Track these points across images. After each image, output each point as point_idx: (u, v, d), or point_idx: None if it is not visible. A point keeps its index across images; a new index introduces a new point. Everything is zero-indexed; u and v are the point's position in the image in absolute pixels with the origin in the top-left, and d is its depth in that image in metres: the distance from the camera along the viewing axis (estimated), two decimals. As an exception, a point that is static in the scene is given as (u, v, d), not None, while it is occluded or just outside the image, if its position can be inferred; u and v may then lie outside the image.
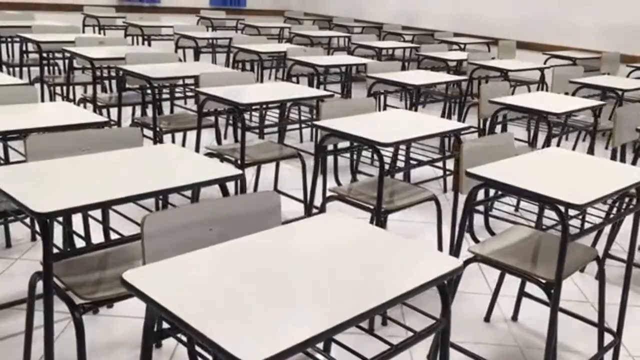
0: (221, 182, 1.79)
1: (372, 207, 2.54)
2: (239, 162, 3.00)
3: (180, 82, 3.89)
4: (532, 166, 2.12)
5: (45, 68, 4.81)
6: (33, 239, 3.04)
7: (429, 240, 3.30)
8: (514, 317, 2.67)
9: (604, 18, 6.17)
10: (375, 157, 3.22)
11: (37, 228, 1.63)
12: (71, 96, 4.48)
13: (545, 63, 6.03)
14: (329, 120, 2.60)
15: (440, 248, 2.85)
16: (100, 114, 4.06)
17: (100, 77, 4.41)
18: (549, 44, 6.52)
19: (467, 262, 2.01)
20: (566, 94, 4.42)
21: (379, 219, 2.46)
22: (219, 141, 3.64)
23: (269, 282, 1.18)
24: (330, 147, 2.82)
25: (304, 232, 1.43)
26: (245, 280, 1.18)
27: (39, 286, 1.62)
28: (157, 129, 3.50)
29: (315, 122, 2.58)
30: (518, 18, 6.87)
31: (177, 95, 4.17)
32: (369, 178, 2.97)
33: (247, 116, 5.53)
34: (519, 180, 1.90)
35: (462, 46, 6.82)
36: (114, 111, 4.58)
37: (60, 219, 2.30)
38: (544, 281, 1.97)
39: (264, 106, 4.44)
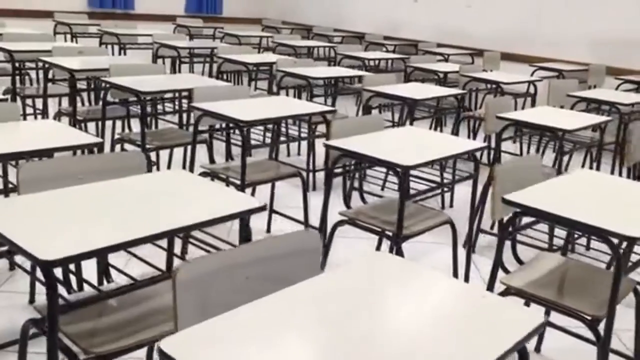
0: (244, 216, 1.60)
1: (388, 232, 2.38)
2: (237, 182, 2.80)
3: (168, 95, 3.67)
4: (569, 192, 2.00)
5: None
6: (11, 268, 2.78)
7: (444, 264, 3.08)
8: (537, 349, 2.52)
9: (589, 30, 6.15)
10: (394, 179, 3.05)
11: (40, 275, 1.41)
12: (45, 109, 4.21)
13: (532, 75, 5.98)
14: (341, 140, 2.43)
15: (455, 274, 2.69)
16: (80, 128, 3.81)
17: (79, 90, 4.14)
18: (532, 56, 6.48)
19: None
20: (561, 107, 4.34)
21: (399, 246, 2.29)
22: (211, 159, 3.42)
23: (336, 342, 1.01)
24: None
25: (352, 280, 1.24)
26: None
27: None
28: (147, 147, 3.27)
29: (328, 143, 2.40)
30: (502, 29, 6.82)
31: (166, 109, 3.94)
32: (379, 200, 2.81)
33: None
34: (563, 209, 1.79)
35: (446, 57, 6.74)
36: (92, 125, 4.33)
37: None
38: (589, 317, 1.84)
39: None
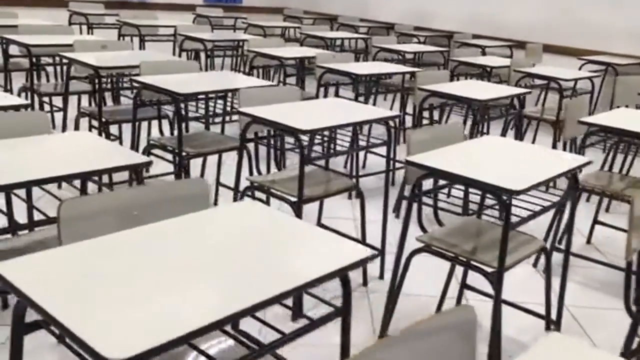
0: (357, 267, 1.24)
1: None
2: (292, 199, 2.45)
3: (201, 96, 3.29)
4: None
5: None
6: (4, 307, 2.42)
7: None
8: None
9: (636, 21, 5.73)
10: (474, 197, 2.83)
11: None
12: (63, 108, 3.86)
13: (580, 69, 5.58)
14: (422, 155, 2.06)
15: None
16: (105, 131, 3.46)
17: (100, 89, 3.78)
18: (576, 48, 6.07)
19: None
20: (637, 107, 3.93)
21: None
22: (252, 170, 3.06)
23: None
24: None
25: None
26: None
27: None
28: (183, 154, 2.91)
29: (410, 159, 2.03)
30: (542, 19, 6.40)
31: (200, 111, 3.55)
32: (458, 221, 2.44)
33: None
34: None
35: (483, 49, 6.33)
36: (114, 128, 3.96)
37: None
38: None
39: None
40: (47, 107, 4.41)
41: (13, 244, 1.86)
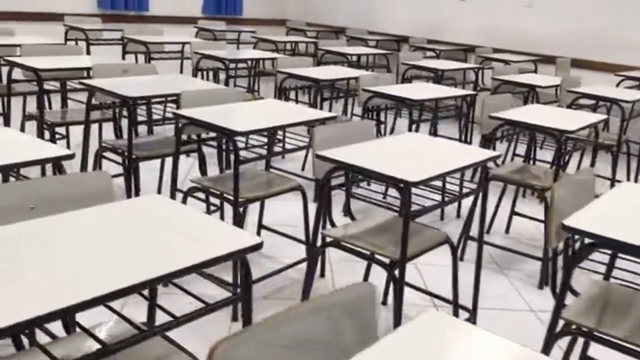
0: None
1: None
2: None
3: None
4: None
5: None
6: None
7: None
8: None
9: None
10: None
11: None
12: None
13: (617, 85, 5.27)
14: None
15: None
16: (135, 172, 3.01)
17: (131, 120, 3.35)
18: (609, 63, 5.78)
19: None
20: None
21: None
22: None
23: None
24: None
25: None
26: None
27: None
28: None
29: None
30: (571, 32, 6.10)
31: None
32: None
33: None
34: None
35: (508, 64, 5.99)
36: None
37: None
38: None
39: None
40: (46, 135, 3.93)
41: None
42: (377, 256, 2.09)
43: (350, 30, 7.78)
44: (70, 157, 1.80)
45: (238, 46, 6.92)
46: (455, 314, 2.41)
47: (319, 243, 2.25)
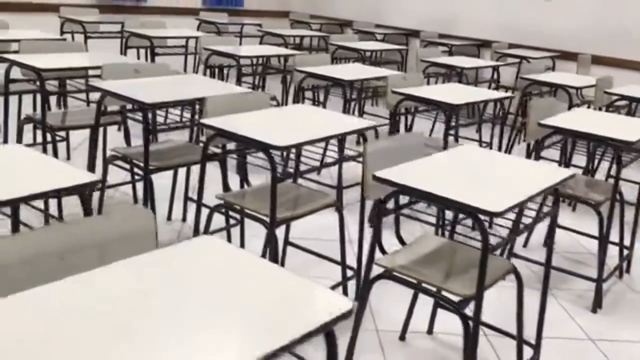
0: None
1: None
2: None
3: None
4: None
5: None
6: None
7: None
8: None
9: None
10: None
11: None
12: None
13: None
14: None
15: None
16: (150, 185, 2.72)
17: (148, 128, 3.06)
18: (633, 60, 5.55)
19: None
20: None
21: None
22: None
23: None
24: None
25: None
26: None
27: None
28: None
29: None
30: (590, 28, 5.85)
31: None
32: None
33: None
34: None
35: (526, 60, 5.75)
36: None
37: None
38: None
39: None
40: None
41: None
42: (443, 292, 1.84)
43: (357, 24, 7.49)
44: (95, 184, 1.52)
45: (241, 40, 6.61)
46: (519, 349, 2.16)
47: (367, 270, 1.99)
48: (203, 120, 2.26)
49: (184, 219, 3.35)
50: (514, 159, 2.16)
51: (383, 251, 2.03)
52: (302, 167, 3.14)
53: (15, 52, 3.98)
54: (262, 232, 2.22)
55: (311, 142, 2.21)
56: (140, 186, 3.33)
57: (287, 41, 5.88)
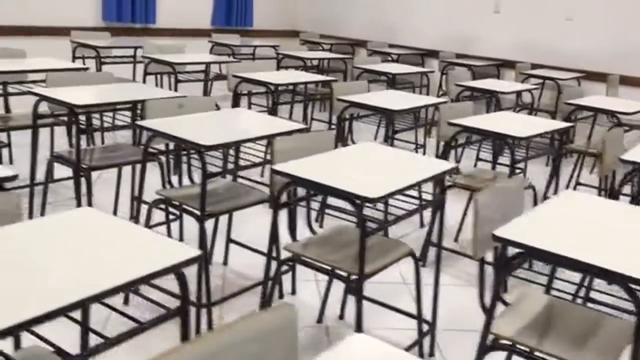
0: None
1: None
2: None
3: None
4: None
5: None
6: None
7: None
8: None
9: None
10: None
11: None
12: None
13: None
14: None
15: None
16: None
17: (205, 173, 2.85)
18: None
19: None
20: None
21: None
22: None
23: None
24: None
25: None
26: None
27: None
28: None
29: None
30: (616, 47, 5.73)
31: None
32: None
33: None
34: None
35: (555, 81, 5.59)
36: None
37: None
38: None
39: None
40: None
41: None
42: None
43: (371, 44, 7.33)
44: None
45: (254, 61, 6.41)
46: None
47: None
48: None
49: (225, 263, 3.14)
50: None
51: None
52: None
53: (33, 82, 3.76)
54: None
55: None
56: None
57: (307, 64, 5.69)
